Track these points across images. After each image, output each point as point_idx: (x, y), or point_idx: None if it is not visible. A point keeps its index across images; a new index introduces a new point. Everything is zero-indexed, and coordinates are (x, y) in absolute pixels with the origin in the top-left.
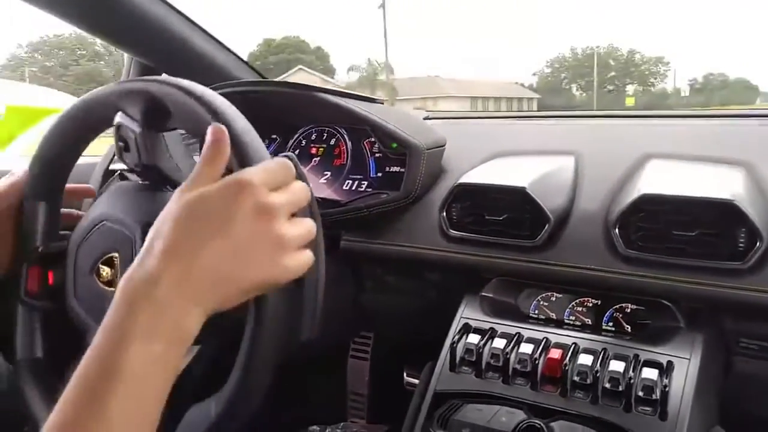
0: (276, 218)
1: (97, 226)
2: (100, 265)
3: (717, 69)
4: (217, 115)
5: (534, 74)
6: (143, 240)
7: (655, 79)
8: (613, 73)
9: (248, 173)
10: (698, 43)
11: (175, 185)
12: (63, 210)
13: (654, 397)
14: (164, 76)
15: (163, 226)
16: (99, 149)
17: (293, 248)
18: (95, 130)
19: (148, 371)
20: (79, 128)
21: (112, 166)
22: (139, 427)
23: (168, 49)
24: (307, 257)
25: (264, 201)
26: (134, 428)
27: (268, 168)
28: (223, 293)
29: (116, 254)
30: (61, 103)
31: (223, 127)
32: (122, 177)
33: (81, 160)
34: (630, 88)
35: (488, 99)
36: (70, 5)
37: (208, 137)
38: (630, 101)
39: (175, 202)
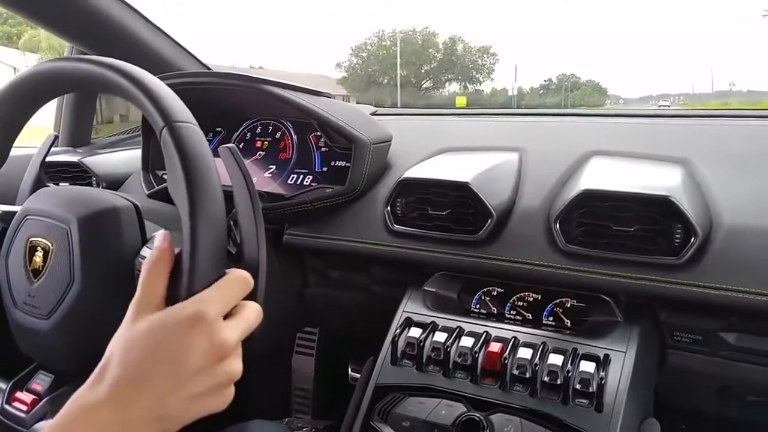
0: (228, 357)
1: (21, 222)
2: (31, 252)
3: (569, 71)
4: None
5: (338, 66)
6: (80, 231)
7: (480, 74)
8: (428, 67)
9: (204, 305)
10: (549, 46)
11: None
12: None
13: (591, 389)
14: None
15: (118, 353)
16: (36, 140)
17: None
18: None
19: None
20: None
21: (52, 158)
22: None
23: (107, 37)
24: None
25: (218, 340)
26: None
27: (223, 290)
28: (164, 427)
29: (47, 241)
30: None
31: (167, 240)
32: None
33: (17, 151)
34: (455, 86)
35: None
36: None
37: (152, 253)
38: (461, 101)
39: (131, 328)
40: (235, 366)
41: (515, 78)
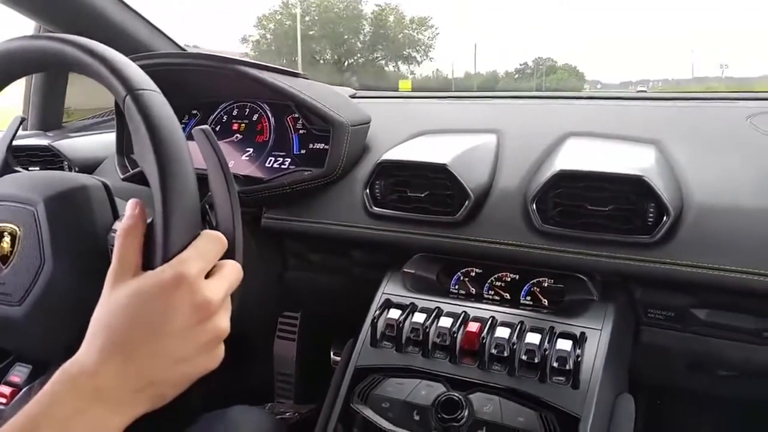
0: (214, 315)
1: None
2: None
3: (547, 54)
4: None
5: (243, 40)
6: (47, 211)
7: (417, 51)
8: (355, 41)
9: (183, 265)
10: (527, 28)
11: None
12: None
13: (567, 367)
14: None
15: (101, 322)
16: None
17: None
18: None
19: None
20: None
21: (22, 142)
22: None
23: (77, 17)
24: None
25: (202, 298)
26: None
27: (200, 249)
28: (158, 393)
29: (14, 226)
30: None
31: (138, 205)
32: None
33: None
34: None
35: None
36: None
37: (124, 221)
38: (405, 85)
39: (111, 296)
40: (223, 323)
41: (474, 61)
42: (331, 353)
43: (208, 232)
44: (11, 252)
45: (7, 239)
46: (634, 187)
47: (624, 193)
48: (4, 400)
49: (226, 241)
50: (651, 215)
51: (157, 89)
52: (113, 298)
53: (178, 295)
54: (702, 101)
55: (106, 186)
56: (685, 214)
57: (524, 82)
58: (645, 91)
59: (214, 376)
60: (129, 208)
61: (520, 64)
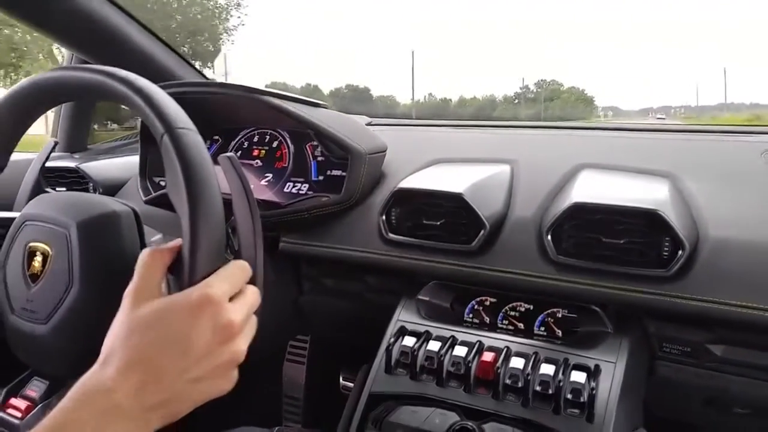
0: (235, 337)
1: (20, 228)
2: (30, 257)
3: (551, 76)
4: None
5: None
6: (79, 235)
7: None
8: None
9: (210, 288)
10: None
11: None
12: None
13: (582, 399)
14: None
15: (119, 339)
16: (36, 146)
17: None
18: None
19: None
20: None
21: (50, 164)
22: None
23: (108, 45)
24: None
25: (225, 320)
26: None
27: (227, 275)
28: (172, 411)
29: (46, 246)
30: None
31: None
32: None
33: (17, 156)
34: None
35: None
36: None
37: (148, 249)
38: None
39: (132, 313)
40: (242, 346)
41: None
42: (341, 378)
43: (233, 261)
44: (41, 271)
45: (38, 258)
46: (649, 220)
47: (639, 226)
48: (19, 414)
49: (249, 269)
50: (666, 249)
51: (194, 127)
52: (135, 316)
53: (203, 316)
54: (716, 134)
55: (135, 213)
56: (700, 249)
57: (524, 108)
58: (664, 119)
59: (223, 397)
60: (155, 243)
61: (521, 88)
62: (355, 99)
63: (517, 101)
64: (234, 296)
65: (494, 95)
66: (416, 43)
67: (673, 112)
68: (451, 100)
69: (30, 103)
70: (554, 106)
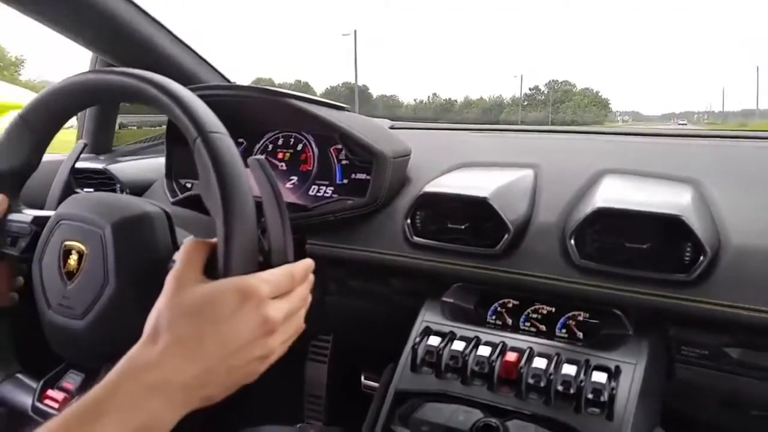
0: (273, 333)
1: (55, 226)
2: (66, 255)
3: (563, 77)
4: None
5: None
6: (114, 235)
7: None
8: None
9: (254, 279)
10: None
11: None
12: None
13: (602, 399)
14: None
15: (163, 320)
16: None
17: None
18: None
19: None
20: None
21: (78, 164)
22: None
23: (134, 50)
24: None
25: (267, 316)
26: None
27: (270, 275)
28: (209, 394)
29: (81, 245)
30: (16, 97)
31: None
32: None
33: (47, 157)
34: None
35: None
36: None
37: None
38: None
39: (177, 296)
40: (278, 343)
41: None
42: (362, 377)
43: (283, 267)
44: (77, 269)
45: (74, 257)
46: (672, 226)
47: (661, 231)
48: (56, 405)
49: (297, 280)
50: (688, 254)
51: (225, 131)
52: (181, 299)
53: (246, 307)
54: (736, 140)
55: (167, 214)
56: (722, 254)
57: (534, 110)
58: (685, 124)
59: (247, 394)
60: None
61: (530, 89)
62: (352, 98)
63: (526, 103)
64: (278, 297)
65: (502, 96)
66: (415, 44)
67: (696, 118)
68: (456, 100)
69: (62, 105)
70: (565, 109)
